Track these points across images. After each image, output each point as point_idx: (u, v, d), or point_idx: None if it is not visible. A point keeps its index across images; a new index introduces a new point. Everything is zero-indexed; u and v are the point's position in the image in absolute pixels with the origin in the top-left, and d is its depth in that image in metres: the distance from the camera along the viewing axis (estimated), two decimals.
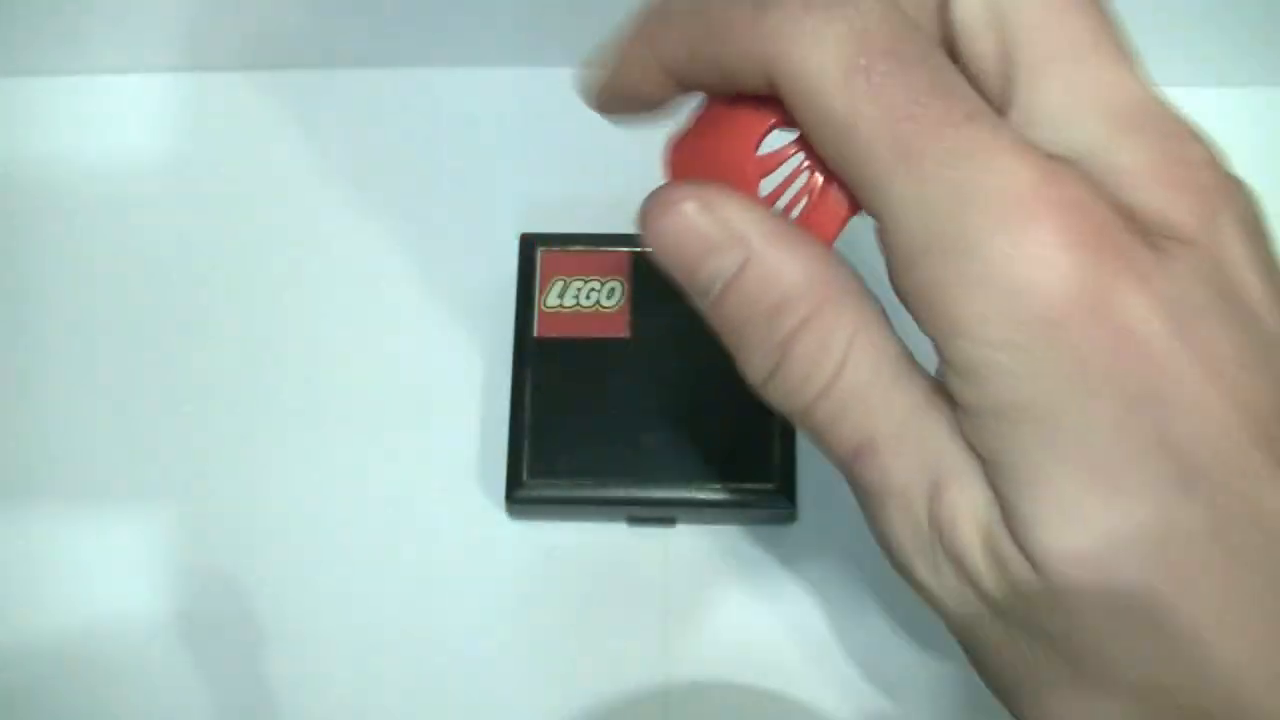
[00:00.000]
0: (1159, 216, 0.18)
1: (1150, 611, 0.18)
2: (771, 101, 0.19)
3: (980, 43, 0.20)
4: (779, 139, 0.20)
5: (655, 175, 0.42)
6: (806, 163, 0.20)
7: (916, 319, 0.19)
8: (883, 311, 0.20)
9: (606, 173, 0.42)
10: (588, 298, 0.38)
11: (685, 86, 0.21)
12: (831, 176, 0.20)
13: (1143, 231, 0.18)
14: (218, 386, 0.40)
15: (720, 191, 0.20)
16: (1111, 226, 0.18)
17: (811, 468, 0.37)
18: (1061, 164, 0.18)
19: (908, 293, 0.19)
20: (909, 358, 0.20)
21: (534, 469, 0.36)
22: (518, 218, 0.41)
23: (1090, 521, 0.18)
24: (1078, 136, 0.19)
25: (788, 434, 0.36)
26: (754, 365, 0.20)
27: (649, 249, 0.21)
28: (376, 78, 0.43)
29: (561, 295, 0.38)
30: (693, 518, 0.37)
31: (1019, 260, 0.17)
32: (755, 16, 0.19)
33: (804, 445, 0.36)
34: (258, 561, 0.38)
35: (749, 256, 0.19)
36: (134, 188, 0.42)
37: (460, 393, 0.39)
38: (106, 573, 0.38)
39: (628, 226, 0.39)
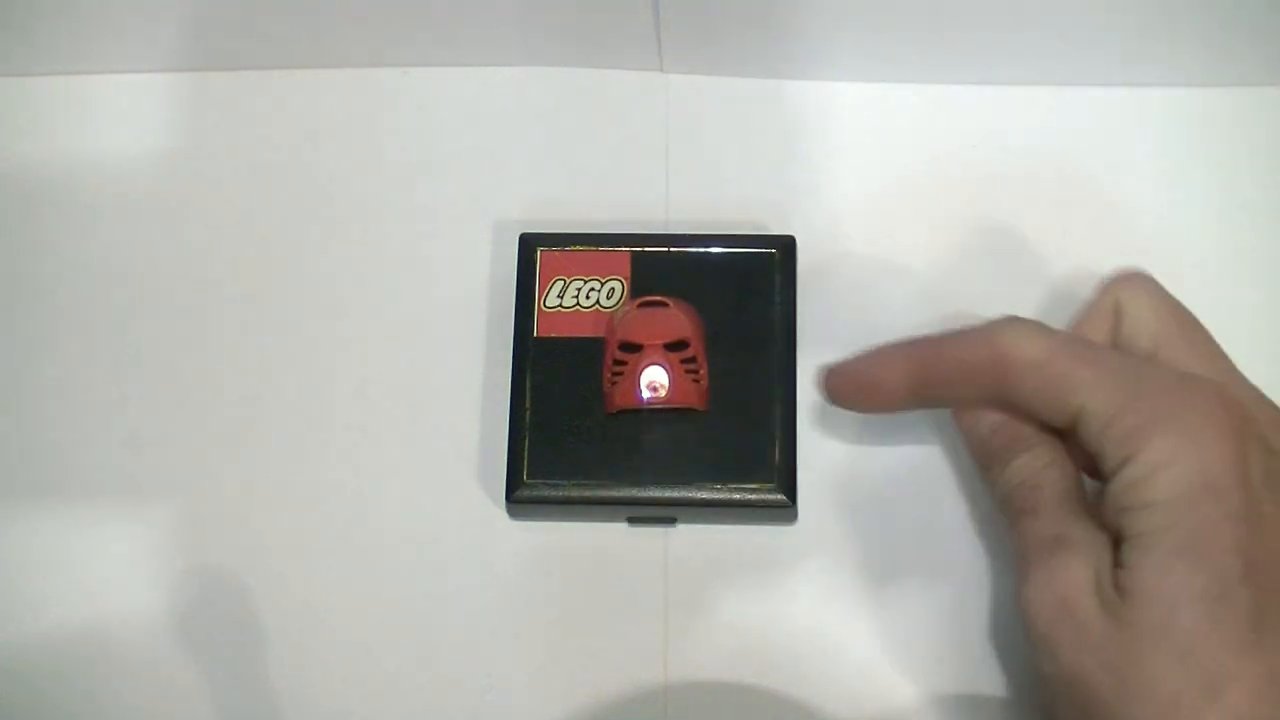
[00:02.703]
0: (1268, 437, 0.29)
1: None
2: None
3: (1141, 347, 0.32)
4: None
5: (651, 176, 0.42)
6: (641, 363, 0.36)
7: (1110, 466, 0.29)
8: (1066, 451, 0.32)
9: (606, 173, 0.42)
10: (588, 298, 0.38)
11: (918, 390, 0.32)
12: (658, 360, 0.36)
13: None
14: (218, 386, 0.40)
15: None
16: (1250, 419, 0.29)
17: (812, 468, 0.37)
18: (1221, 387, 0.29)
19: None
20: (1082, 488, 0.31)
21: (534, 469, 0.36)
22: (518, 218, 0.41)
23: (1178, 579, 0.27)
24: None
25: (788, 434, 0.36)
26: (992, 471, 0.33)
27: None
28: (376, 78, 0.43)
29: (561, 295, 0.38)
30: (693, 518, 0.37)
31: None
32: (983, 339, 0.31)
33: (804, 445, 0.36)
34: (257, 561, 0.38)
35: (987, 419, 0.33)
36: (134, 187, 0.42)
37: (460, 393, 0.39)
38: (106, 573, 0.38)
39: (627, 226, 0.40)
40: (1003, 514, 0.32)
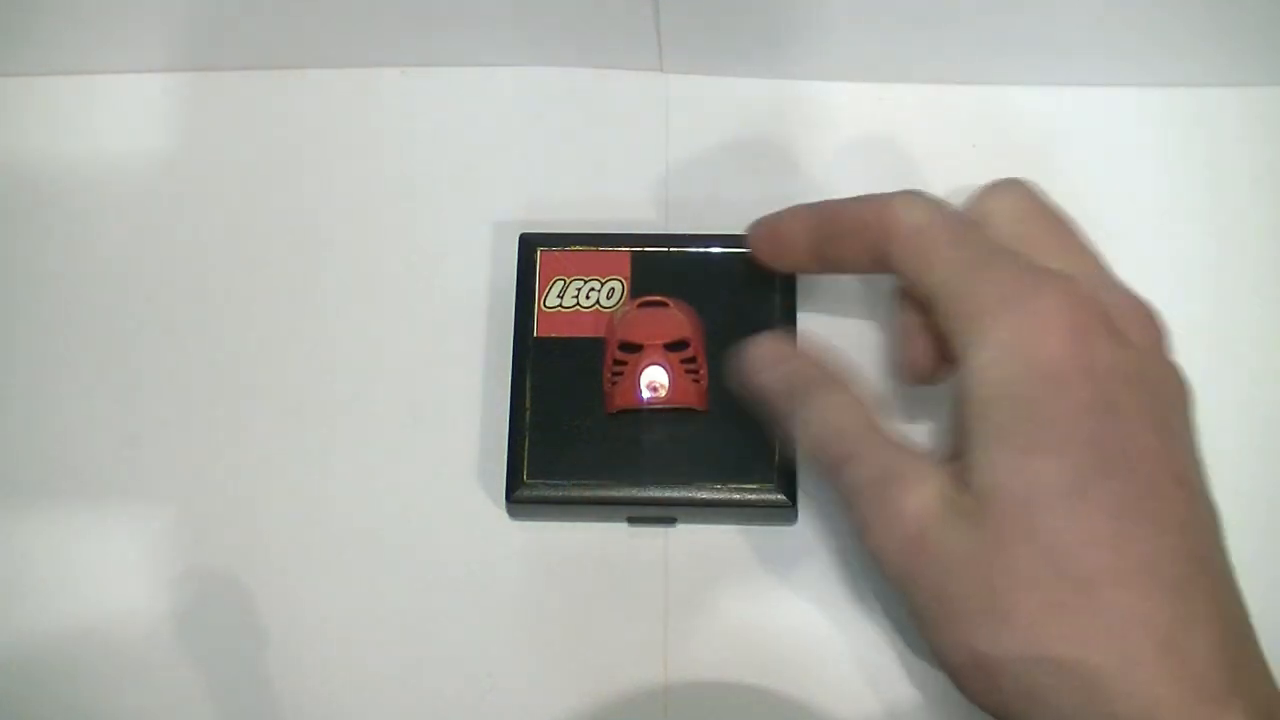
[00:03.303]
0: (1120, 328, 0.29)
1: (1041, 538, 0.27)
2: None
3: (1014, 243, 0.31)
4: None
5: (651, 176, 0.42)
6: (641, 363, 0.36)
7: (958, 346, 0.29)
8: (855, 390, 0.32)
9: (606, 173, 0.42)
10: (587, 298, 0.38)
11: (818, 257, 0.34)
12: (656, 359, 0.36)
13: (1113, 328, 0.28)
14: (218, 386, 0.40)
15: (769, 335, 0.35)
16: (1099, 311, 0.28)
17: (812, 468, 0.37)
18: (1071, 280, 0.29)
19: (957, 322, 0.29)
20: (874, 416, 0.31)
21: (534, 469, 0.36)
22: (518, 218, 0.41)
23: (1029, 475, 0.27)
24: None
25: (788, 435, 0.36)
26: (808, 424, 0.32)
27: (750, 364, 0.34)
28: (375, 78, 0.43)
29: (561, 295, 0.38)
30: (693, 518, 0.37)
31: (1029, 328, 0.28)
32: (878, 201, 0.32)
33: None
34: (258, 561, 0.38)
35: (795, 364, 0.34)
36: (134, 187, 0.42)
37: (460, 393, 0.39)
38: (106, 573, 0.38)
39: (627, 226, 0.40)
40: (820, 472, 0.32)
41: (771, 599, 0.37)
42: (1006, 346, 0.28)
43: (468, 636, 0.37)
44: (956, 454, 0.29)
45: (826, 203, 0.34)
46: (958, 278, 0.29)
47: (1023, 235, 0.31)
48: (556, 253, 0.38)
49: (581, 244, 0.38)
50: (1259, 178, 0.41)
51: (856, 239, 0.32)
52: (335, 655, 0.37)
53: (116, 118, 0.43)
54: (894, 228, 0.31)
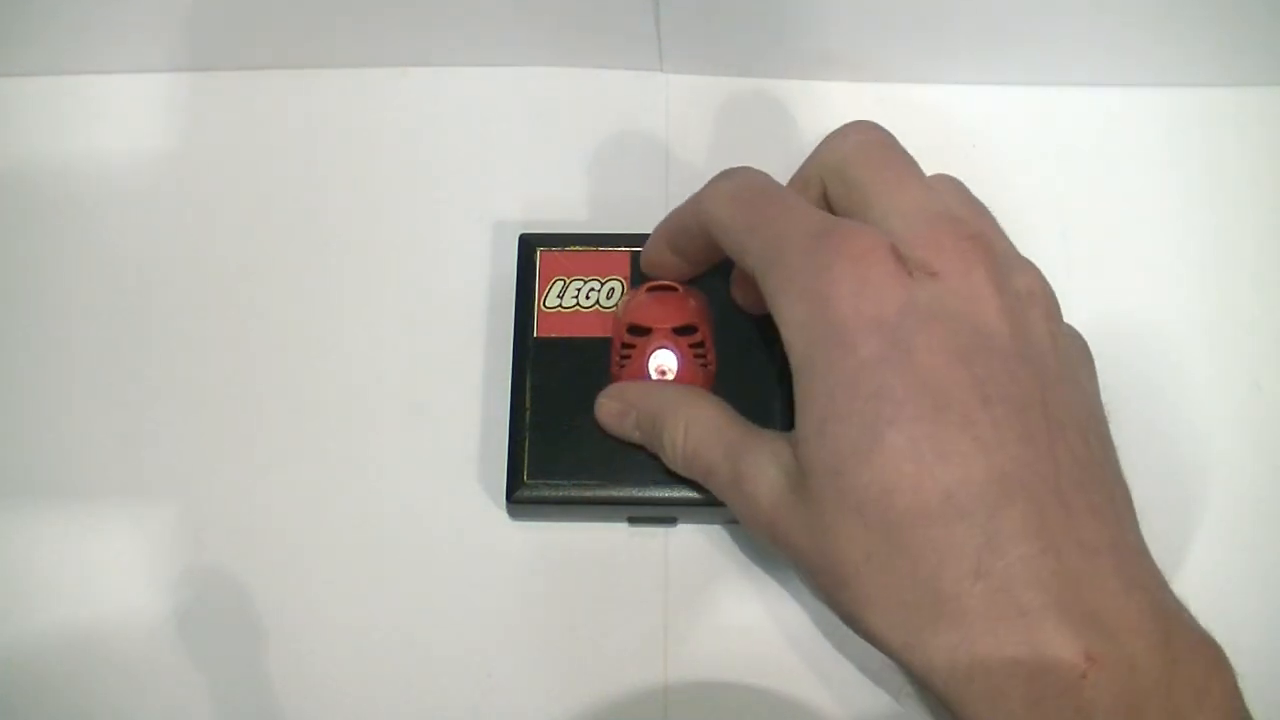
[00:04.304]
0: (920, 262, 0.28)
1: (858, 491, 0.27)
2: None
3: (841, 201, 0.31)
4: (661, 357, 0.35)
5: (651, 176, 0.42)
6: (649, 347, 0.36)
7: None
8: (715, 398, 0.34)
9: (606, 173, 0.42)
10: (587, 298, 0.38)
11: (687, 260, 0.35)
12: (665, 342, 0.36)
13: (906, 267, 0.28)
14: (218, 386, 0.40)
15: (618, 385, 0.36)
16: (884, 256, 0.28)
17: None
18: (857, 222, 0.29)
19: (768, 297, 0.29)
20: (731, 417, 0.32)
21: (534, 469, 0.36)
22: (518, 218, 0.41)
23: (833, 436, 0.27)
24: (892, 225, 0.29)
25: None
26: (666, 455, 0.34)
27: (609, 429, 0.36)
28: (376, 78, 0.43)
29: (561, 295, 0.38)
30: (693, 518, 0.37)
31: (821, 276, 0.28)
32: (694, 202, 0.33)
33: None
34: (258, 561, 0.38)
35: (636, 409, 0.35)
36: (134, 187, 0.42)
37: (460, 393, 0.39)
38: (107, 573, 0.38)
39: (627, 226, 0.40)
40: (707, 487, 0.33)
41: (771, 599, 0.37)
42: (802, 321, 0.28)
43: (468, 636, 0.37)
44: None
45: (667, 218, 0.35)
46: (762, 264, 0.29)
47: (851, 184, 0.30)
48: (556, 253, 0.38)
49: (581, 244, 0.38)
50: (1259, 178, 0.41)
51: (700, 241, 0.33)
52: (335, 655, 0.37)
53: (116, 118, 0.43)
54: (709, 226, 0.31)
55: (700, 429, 0.32)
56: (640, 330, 0.36)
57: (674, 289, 0.36)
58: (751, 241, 0.30)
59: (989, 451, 0.26)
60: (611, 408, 0.35)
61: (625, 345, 0.36)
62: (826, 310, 0.27)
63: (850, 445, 0.26)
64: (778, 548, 0.29)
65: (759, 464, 0.30)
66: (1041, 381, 0.27)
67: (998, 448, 0.26)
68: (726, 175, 0.32)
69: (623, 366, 0.36)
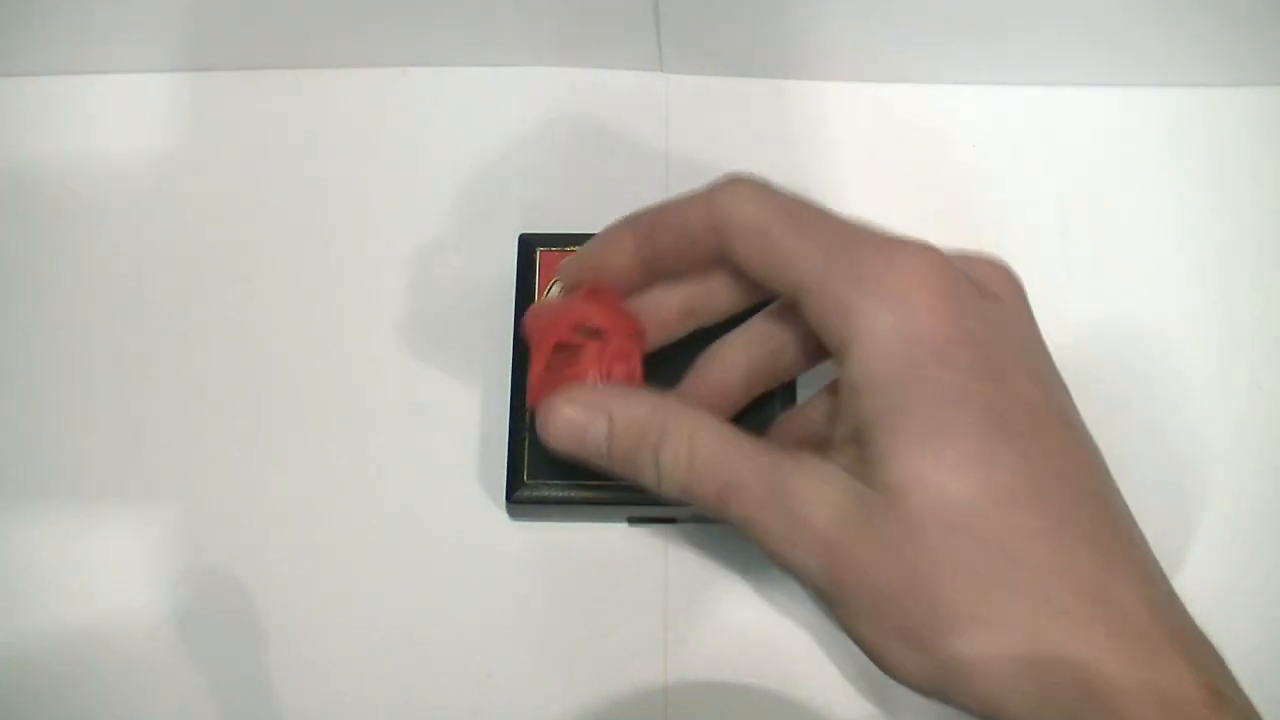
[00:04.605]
0: (980, 283, 0.28)
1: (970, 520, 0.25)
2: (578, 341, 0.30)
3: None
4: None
5: (651, 176, 0.42)
6: (608, 348, 0.30)
7: (830, 343, 0.27)
8: (709, 413, 0.29)
9: (606, 173, 0.42)
10: None
11: (646, 261, 0.31)
12: (624, 346, 0.30)
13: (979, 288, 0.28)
14: (218, 386, 0.40)
15: (577, 389, 0.30)
16: (960, 272, 0.27)
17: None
18: (928, 246, 0.27)
19: (824, 318, 0.27)
20: (741, 433, 0.28)
21: (534, 469, 0.36)
22: (518, 218, 0.41)
23: (936, 455, 0.25)
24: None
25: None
26: (649, 478, 0.29)
27: (552, 446, 0.29)
28: (376, 78, 0.43)
29: None
30: (693, 517, 0.37)
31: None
32: (703, 203, 0.29)
33: None
34: (258, 561, 0.38)
35: (612, 416, 0.29)
36: (133, 188, 0.42)
37: (460, 393, 0.39)
38: (107, 572, 0.38)
39: None
40: (699, 509, 0.29)
41: (771, 599, 0.37)
42: (887, 331, 0.26)
43: (468, 636, 0.37)
44: (840, 445, 0.28)
45: (645, 216, 0.31)
46: (816, 271, 0.27)
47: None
48: (556, 253, 0.38)
49: (581, 244, 0.38)
50: (1259, 178, 0.41)
51: (692, 249, 0.30)
52: (335, 655, 0.37)
53: (116, 118, 0.43)
54: (729, 229, 0.29)
55: (712, 441, 0.28)
56: (592, 333, 0.31)
57: (614, 294, 0.31)
58: (802, 245, 0.28)
59: (1090, 474, 0.26)
60: (570, 415, 0.29)
61: (562, 346, 0.31)
62: (919, 322, 0.26)
63: (960, 462, 0.25)
64: (825, 575, 0.27)
65: (810, 483, 0.27)
66: (1074, 403, 0.28)
67: (1087, 470, 0.26)
68: (739, 179, 0.29)
69: (551, 372, 0.30)
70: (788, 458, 0.28)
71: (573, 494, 0.36)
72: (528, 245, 0.38)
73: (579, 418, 0.29)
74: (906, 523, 0.25)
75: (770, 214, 0.28)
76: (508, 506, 0.36)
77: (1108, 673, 0.24)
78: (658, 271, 0.31)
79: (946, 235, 0.40)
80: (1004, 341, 0.27)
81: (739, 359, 0.32)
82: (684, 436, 0.28)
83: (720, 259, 0.30)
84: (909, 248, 0.27)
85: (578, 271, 0.32)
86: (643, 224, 0.31)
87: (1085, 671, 0.24)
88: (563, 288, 0.32)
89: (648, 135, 0.42)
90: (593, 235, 0.38)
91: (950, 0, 0.39)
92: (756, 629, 0.37)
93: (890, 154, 0.42)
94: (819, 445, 0.29)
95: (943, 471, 0.25)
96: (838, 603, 0.27)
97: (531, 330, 0.31)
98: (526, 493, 0.36)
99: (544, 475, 0.36)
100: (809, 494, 0.27)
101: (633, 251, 0.31)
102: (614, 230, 0.31)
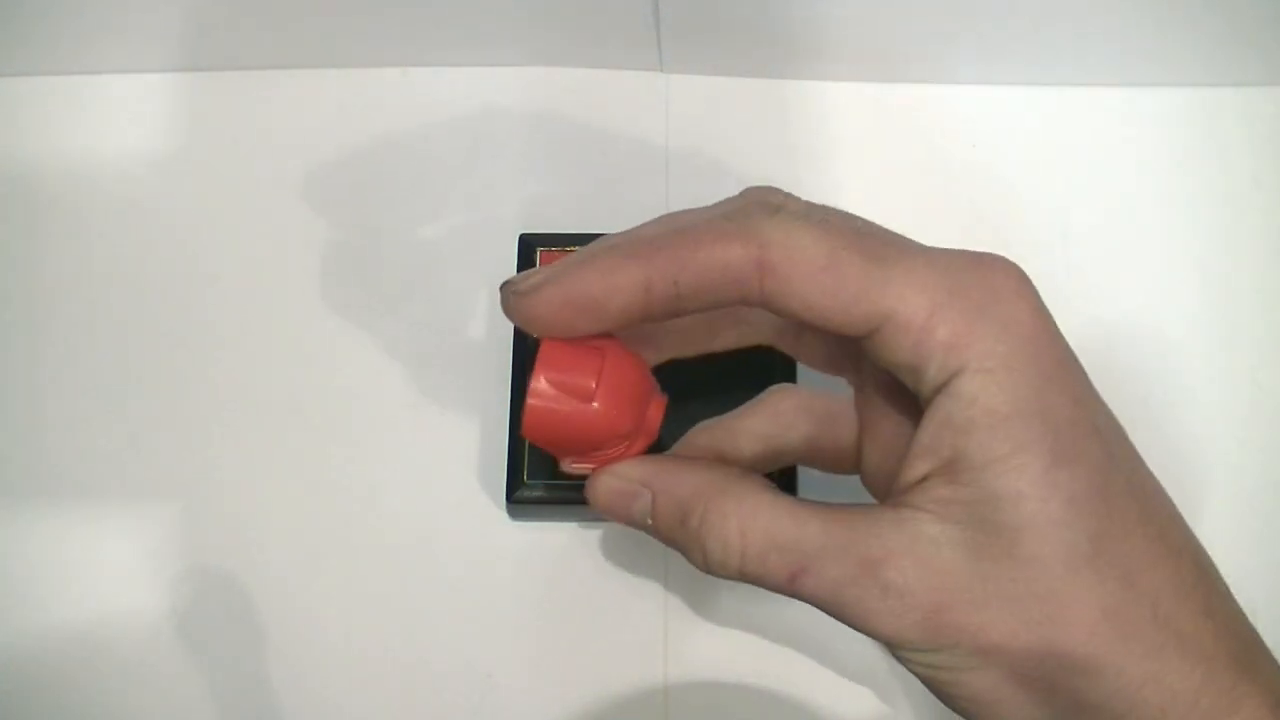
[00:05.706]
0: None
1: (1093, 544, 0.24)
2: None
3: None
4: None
5: (651, 176, 0.42)
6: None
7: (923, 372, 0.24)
8: (761, 478, 0.27)
9: (606, 173, 0.42)
10: None
11: (658, 306, 0.25)
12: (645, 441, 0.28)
13: None
14: (218, 386, 0.40)
15: (620, 464, 0.27)
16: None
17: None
18: (1004, 259, 0.25)
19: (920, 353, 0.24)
20: (796, 501, 0.26)
21: (534, 469, 0.36)
22: (518, 218, 0.41)
23: (1064, 484, 0.23)
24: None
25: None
26: (695, 559, 0.27)
27: (601, 513, 0.27)
28: (376, 78, 0.43)
29: None
30: None
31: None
32: (735, 233, 0.25)
33: None
34: (258, 561, 0.38)
35: (654, 492, 0.27)
36: (133, 187, 0.42)
37: (460, 393, 0.39)
38: (107, 572, 0.38)
39: (627, 226, 0.40)
40: (766, 588, 0.26)
41: (771, 599, 0.37)
42: (1003, 358, 0.24)
43: (468, 636, 0.37)
44: (920, 487, 0.25)
45: (653, 249, 0.25)
46: (906, 301, 0.24)
47: (815, 418, 0.29)
48: (556, 253, 0.38)
49: (581, 244, 0.38)
50: (1259, 178, 0.41)
51: (726, 292, 0.25)
52: (334, 655, 0.37)
53: (116, 118, 0.43)
54: (784, 268, 0.24)
55: (766, 522, 0.25)
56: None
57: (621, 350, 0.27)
58: (884, 274, 0.24)
59: (1154, 491, 0.26)
60: (613, 486, 0.27)
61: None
62: (1033, 345, 0.24)
63: (1084, 490, 0.24)
64: (928, 640, 0.24)
65: (905, 544, 0.24)
66: None
67: (1141, 476, 0.26)
68: (772, 203, 0.25)
69: (601, 454, 0.27)
70: (863, 519, 0.25)
71: (573, 494, 0.36)
72: (528, 245, 0.38)
73: (621, 489, 0.27)
74: (1031, 566, 0.23)
75: (834, 244, 0.24)
76: (508, 506, 0.36)
77: (1220, 685, 0.24)
78: (667, 314, 0.26)
79: (947, 235, 0.40)
80: (1076, 360, 0.25)
81: (801, 425, 0.30)
82: (731, 523, 0.26)
83: (755, 302, 0.25)
84: (996, 264, 0.25)
85: (562, 306, 0.26)
86: (658, 262, 0.25)
87: (1204, 695, 0.24)
88: (542, 323, 0.26)
89: (648, 135, 0.42)
90: (592, 236, 0.38)
91: (951, 0, 0.39)
92: (756, 629, 0.37)
93: (890, 154, 0.42)
94: (873, 480, 0.28)
95: (1061, 509, 0.23)
96: (934, 656, 0.25)
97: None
98: (526, 493, 0.36)
99: (544, 475, 0.36)
100: (904, 559, 0.24)
101: (642, 293, 0.25)
102: (609, 260, 0.26)
